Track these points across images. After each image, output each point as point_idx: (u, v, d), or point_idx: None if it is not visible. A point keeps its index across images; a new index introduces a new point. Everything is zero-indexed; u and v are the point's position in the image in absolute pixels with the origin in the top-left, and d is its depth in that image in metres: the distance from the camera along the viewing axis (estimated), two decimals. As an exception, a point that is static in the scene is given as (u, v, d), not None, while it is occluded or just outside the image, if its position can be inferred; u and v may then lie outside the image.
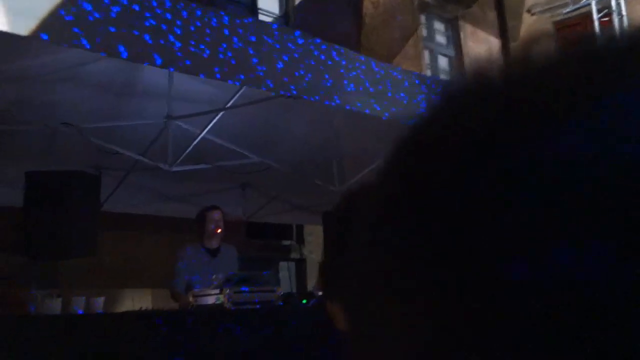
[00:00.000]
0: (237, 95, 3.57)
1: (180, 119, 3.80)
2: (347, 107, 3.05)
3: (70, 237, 3.56)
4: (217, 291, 3.20)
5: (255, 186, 5.86)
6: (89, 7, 2.24)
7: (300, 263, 7.62)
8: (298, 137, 4.72)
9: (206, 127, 3.97)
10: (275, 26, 2.94)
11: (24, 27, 1.99)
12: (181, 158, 3.91)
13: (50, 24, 2.06)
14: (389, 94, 3.23)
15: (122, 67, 4.09)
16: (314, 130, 4.66)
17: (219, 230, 4.13)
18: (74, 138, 3.98)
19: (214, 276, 3.90)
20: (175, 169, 3.84)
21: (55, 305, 2.89)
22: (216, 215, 4.19)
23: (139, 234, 5.91)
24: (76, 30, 2.19)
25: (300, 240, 7.65)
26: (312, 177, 4.58)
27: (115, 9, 2.66)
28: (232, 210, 5.71)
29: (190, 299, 3.29)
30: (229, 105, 3.61)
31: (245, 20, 3.15)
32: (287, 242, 7.59)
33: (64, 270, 5.01)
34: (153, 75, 4.09)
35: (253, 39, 2.93)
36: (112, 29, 2.35)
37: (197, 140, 3.89)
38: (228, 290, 3.12)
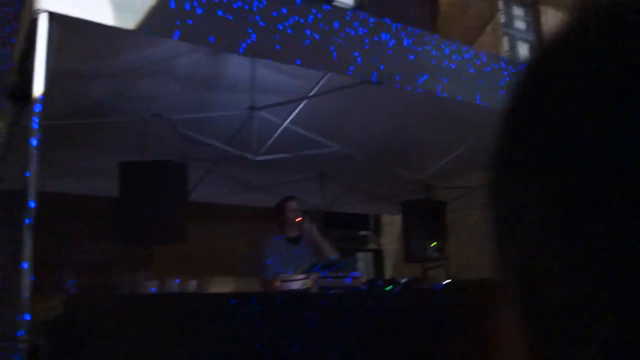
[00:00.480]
0: (319, 84, 3.60)
1: (263, 109, 3.88)
2: (423, 92, 3.01)
3: (161, 224, 3.72)
4: (303, 276, 3.26)
5: (333, 176, 5.90)
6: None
7: (378, 254, 7.61)
8: (377, 125, 4.71)
9: (288, 116, 4.03)
10: (359, 14, 2.94)
11: (131, 22, 2.11)
12: (265, 148, 4.00)
13: (152, 17, 2.17)
14: (473, 79, 3.17)
15: (207, 60, 4.23)
16: (393, 118, 4.63)
17: (298, 219, 4.23)
18: (162, 130, 4.16)
19: (298, 265, 4.00)
20: (259, 158, 3.93)
21: (151, 287, 3.04)
22: (294, 204, 4.31)
23: (221, 224, 6.09)
24: (177, 22, 2.30)
25: (378, 231, 7.64)
26: (391, 165, 4.55)
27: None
28: (310, 200, 5.79)
29: (277, 283, 3.37)
30: (312, 93, 3.65)
31: (325, 7, 3.18)
32: (364, 233, 7.60)
33: (152, 259, 5.26)
34: (236, 68, 4.20)
35: (335, 25, 2.95)
36: (204, 21, 2.44)
37: (280, 130, 3.96)
38: (314, 276, 3.17)
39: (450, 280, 3.50)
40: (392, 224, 7.86)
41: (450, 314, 2.98)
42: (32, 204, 2.05)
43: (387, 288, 3.28)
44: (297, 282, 3.27)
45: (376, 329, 2.71)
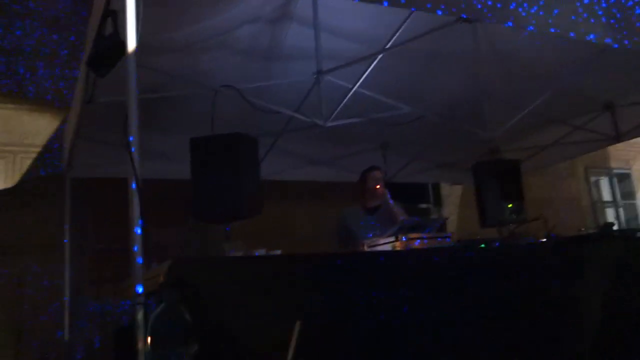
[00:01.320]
0: (392, 40, 3.45)
1: (331, 72, 3.74)
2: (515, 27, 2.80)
3: (238, 198, 3.61)
4: (392, 239, 3.12)
5: (395, 146, 5.74)
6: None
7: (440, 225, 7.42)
8: (446, 85, 4.53)
9: (357, 81, 3.88)
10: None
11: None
12: (335, 114, 3.86)
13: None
14: (566, 14, 2.95)
15: (267, 30, 4.11)
16: (463, 76, 4.44)
17: (378, 187, 4.15)
18: (227, 104, 4.06)
19: (373, 234, 3.88)
20: (330, 124, 3.80)
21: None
22: (378, 174, 4.33)
23: (284, 200, 6.00)
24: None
25: (438, 202, 7.45)
26: (462, 125, 4.36)
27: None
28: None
29: (364, 248, 3.25)
30: (388, 45, 3.48)
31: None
32: (424, 205, 7.42)
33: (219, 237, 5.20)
34: (297, 36, 4.08)
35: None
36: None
37: (350, 94, 3.82)
38: (403, 237, 3.03)
39: (547, 237, 3.31)
40: (452, 195, 7.67)
41: (557, 268, 2.81)
42: (137, 173, 1.96)
43: (481, 246, 3.11)
44: (385, 246, 3.14)
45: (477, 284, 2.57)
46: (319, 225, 6.19)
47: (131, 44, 2.06)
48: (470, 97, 4.51)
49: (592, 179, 8.96)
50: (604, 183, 9.14)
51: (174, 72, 3.78)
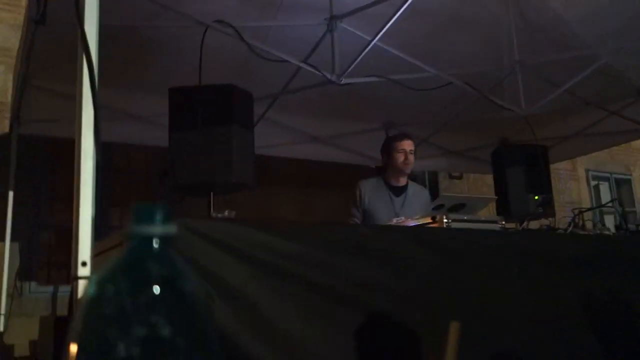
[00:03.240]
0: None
1: (347, 17, 3.05)
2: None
3: (227, 165, 2.87)
4: (427, 220, 2.45)
5: (400, 126, 5.07)
6: None
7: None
8: (471, 52, 3.88)
9: (375, 33, 3.18)
10: None
11: None
12: (351, 68, 3.16)
13: None
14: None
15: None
16: (489, 42, 3.80)
17: (408, 164, 3.36)
18: (217, 55, 3.34)
19: (395, 220, 3.16)
20: (345, 81, 3.10)
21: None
22: (408, 145, 3.40)
23: (268, 180, 5.27)
24: None
25: (435, 197, 6.82)
26: (491, 98, 3.72)
27: None
28: (374, 155, 4.96)
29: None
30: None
31: None
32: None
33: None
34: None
35: None
36: None
37: (370, 46, 3.12)
38: (445, 220, 2.36)
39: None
40: (451, 189, 7.09)
41: None
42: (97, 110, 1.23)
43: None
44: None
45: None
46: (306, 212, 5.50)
47: None
48: (498, 64, 3.87)
49: (593, 182, 8.48)
50: (604, 188, 8.67)
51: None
